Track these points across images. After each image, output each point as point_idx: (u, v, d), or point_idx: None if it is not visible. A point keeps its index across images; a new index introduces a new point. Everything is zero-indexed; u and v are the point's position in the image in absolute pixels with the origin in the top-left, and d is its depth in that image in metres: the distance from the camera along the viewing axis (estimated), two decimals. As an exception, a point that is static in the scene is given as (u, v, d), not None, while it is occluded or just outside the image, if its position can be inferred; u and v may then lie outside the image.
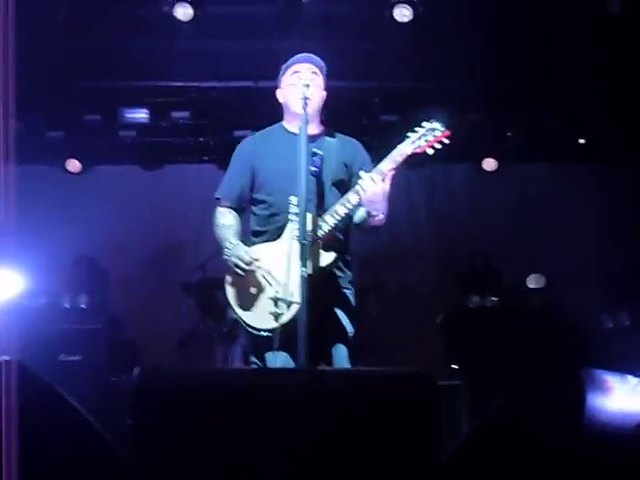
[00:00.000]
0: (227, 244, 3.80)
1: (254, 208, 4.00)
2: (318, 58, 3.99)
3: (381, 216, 3.76)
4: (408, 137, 3.74)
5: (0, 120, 3.58)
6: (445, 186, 8.57)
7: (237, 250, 3.76)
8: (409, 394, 2.66)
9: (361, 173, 3.69)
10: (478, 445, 2.75)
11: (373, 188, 3.62)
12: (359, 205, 3.71)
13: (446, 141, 3.74)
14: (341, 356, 3.83)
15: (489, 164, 8.43)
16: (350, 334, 3.90)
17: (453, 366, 7.08)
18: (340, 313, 3.88)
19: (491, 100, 7.69)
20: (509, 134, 8.11)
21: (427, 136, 3.72)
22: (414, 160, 3.78)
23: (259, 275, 3.75)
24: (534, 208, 8.32)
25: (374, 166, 3.76)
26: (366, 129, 7.49)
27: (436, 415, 2.64)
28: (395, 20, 6.20)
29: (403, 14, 6.19)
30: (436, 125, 3.74)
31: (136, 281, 7.98)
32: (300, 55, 3.97)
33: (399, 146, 3.72)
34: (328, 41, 6.11)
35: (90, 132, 7.93)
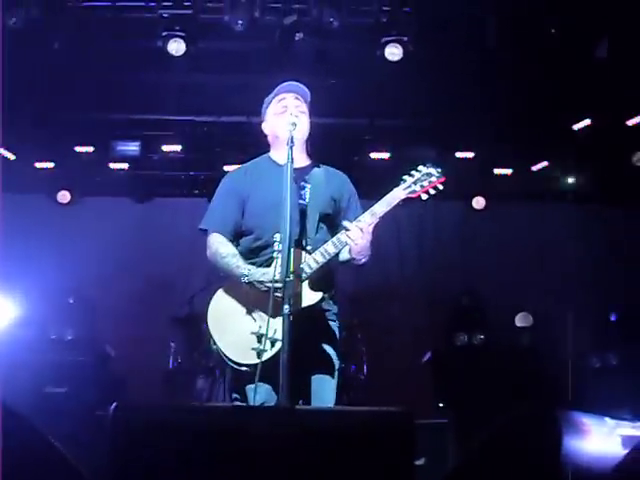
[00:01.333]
0: (244, 271, 3.70)
1: (240, 239, 3.94)
2: (302, 85, 3.98)
3: (365, 259, 3.78)
4: (404, 180, 3.72)
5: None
6: (434, 224, 8.61)
7: (261, 275, 3.67)
8: (387, 434, 2.64)
9: (345, 223, 3.66)
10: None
11: (362, 240, 3.63)
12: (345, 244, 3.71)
13: (440, 187, 3.72)
14: (326, 390, 3.79)
15: (478, 202, 8.50)
16: (336, 367, 3.86)
17: (440, 404, 7.06)
18: (326, 347, 3.84)
19: (481, 138, 7.78)
20: (498, 172, 8.17)
21: (422, 181, 3.70)
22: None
23: (243, 309, 3.74)
24: (523, 247, 8.34)
25: (365, 208, 3.75)
26: (356, 166, 7.54)
27: (412, 454, 2.62)
28: (386, 58, 6.28)
29: (393, 53, 6.28)
30: (432, 170, 3.72)
31: (124, 314, 7.95)
32: (285, 83, 3.95)
33: (394, 190, 3.70)
34: (319, 78, 6.19)
35: (81, 164, 7.96)
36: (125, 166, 8.09)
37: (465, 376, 7.14)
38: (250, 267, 3.73)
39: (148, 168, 8.11)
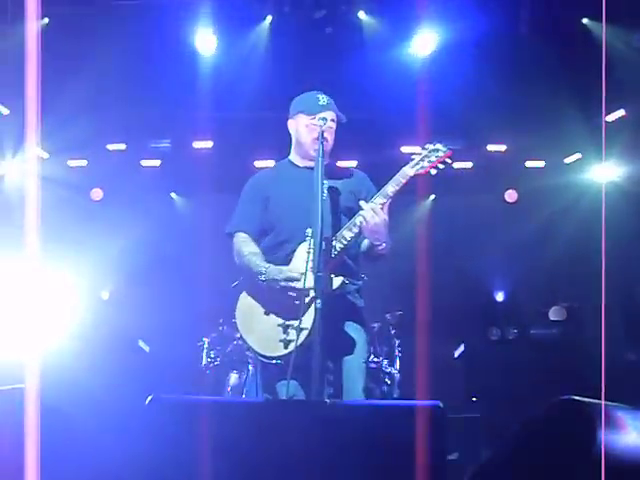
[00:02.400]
0: (262, 268, 3.78)
1: (263, 237, 4.02)
2: (335, 106, 4.01)
3: (384, 245, 3.80)
4: (412, 159, 3.79)
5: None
6: (467, 217, 8.55)
7: (281, 272, 3.74)
8: (420, 427, 2.63)
9: (361, 203, 3.72)
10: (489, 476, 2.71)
11: (374, 219, 3.66)
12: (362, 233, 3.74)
13: (449, 161, 3.79)
14: (357, 377, 3.81)
15: (511, 195, 8.44)
16: (365, 354, 3.91)
17: (473, 399, 7.03)
18: (354, 334, 3.87)
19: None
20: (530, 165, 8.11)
21: (430, 157, 3.76)
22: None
23: (268, 304, 3.78)
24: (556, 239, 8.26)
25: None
26: (386, 160, 7.53)
27: (444, 448, 2.61)
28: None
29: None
30: (438, 146, 3.79)
31: (158, 310, 8.01)
32: (321, 100, 3.96)
33: (403, 168, 3.76)
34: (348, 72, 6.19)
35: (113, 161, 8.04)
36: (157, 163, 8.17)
37: (498, 370, 7.10)
38: (267, 265, 3.79)
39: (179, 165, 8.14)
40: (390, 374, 7.04)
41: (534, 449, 2.69)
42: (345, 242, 3.73)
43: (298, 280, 3.67)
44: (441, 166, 3.78)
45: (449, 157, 3.79)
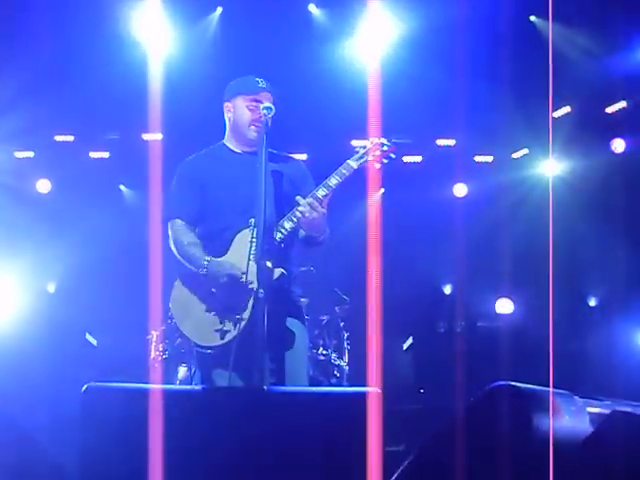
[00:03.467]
0: (203, 262, 3.75)
1: (199, 225, 3.98)
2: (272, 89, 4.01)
3: (322, 237, 3.85)
4: (356, 152, 3.81)
5: None
6: (416, 211, 8.61)
7: (221, 266, 3.72)
8: (357, 413, 2.65)
9: (298, 198, 3.71)
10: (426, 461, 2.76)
11: (312, 213, 3.67)
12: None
13: (393, 156, 3.82)
14: (299, 366, 3.83)
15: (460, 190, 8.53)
16: (306, 343, 3.94)
17: (421, 390, 7.10)
18: (294, 324, 3.87)
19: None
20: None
21: (374, 151, 3.79)
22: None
23: (204, 293, 3.76)
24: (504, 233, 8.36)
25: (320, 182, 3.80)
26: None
27: (382, 432, 2.63)
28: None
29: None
30: (383, 140, 3.82)
31: (106, 302, 7.94)
32: (260, 83, 3.97)
33: (347, 161, 3.78)
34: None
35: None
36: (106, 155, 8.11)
37: (445, 362, 7.17)
38: (209, 258, 3.77)
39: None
40: (339, 366, 7.07)
41: (472, 433, 2.74)
42: (284, 232, 3.74)
43: (240, 277, 3.63)
44: (385, 160, 3.82)
45: (393, 152, 3.82)
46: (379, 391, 2.76)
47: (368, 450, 2.61)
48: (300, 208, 3.68)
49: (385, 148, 3.80)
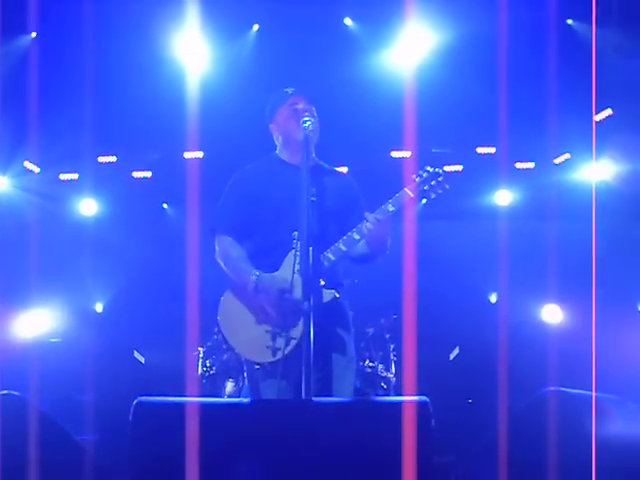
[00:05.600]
0: (252, 276, 3.74)
1: (249, 239, 3.96)
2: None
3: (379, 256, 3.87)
4: (414, 180, 3.76)
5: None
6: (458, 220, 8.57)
7: (270, 280, 3.71)
8: (404, 423, 2.64)
9: (366, 214, 3.70)
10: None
11: (378, 230, 3.64)
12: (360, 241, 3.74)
13: (447, 187, 3.76)
14: (346, 376, 3.83)
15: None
16: (353, 354, 3.92)
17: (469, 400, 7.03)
18: (342, 334, 3.87)
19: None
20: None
21: (429, 181, 3.74)
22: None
23: (257, 306, 3.74)
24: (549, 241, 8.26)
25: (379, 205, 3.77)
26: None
27: (430, 444, 2.61)
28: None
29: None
30: (439, 170, 3.78)
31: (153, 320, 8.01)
32: (290, 90, 4.03)
33: (405, 189, 3.73)
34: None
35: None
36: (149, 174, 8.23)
37: (492, 371, 7.07)
38: (257, 273, 3.75)
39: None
40: (386, 378, 7.04)
41: (523, 438, 2.72)
42: (340, 254, 3.72)
43: (290, 292, 3.61)
44: (440, 191, 3.75)
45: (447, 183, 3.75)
46: (427, 400, 2.75)
47: (416, 460, 2.59)
48: (367, 225, 3.67)
49: (441, 179, 3.74)
